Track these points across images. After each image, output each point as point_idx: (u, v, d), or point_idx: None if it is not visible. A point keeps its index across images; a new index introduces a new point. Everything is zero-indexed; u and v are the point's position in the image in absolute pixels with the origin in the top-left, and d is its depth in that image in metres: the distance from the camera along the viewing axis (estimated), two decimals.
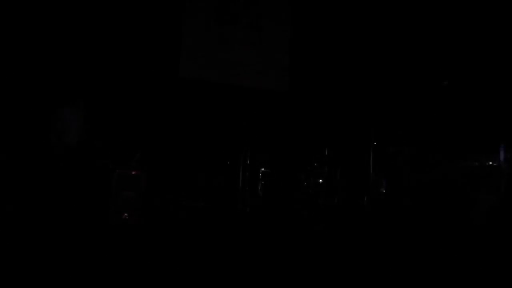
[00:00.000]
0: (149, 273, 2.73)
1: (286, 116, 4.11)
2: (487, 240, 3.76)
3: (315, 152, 4.94)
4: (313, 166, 4.82)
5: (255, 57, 5.48)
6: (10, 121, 4.23)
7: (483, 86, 5.02)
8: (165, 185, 4.74)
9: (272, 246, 3.46)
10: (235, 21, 5.83)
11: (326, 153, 4.89)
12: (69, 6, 4.77)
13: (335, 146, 5.05)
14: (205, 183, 4.73)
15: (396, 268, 3.06)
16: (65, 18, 4.75)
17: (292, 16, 6.17)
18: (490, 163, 4.35)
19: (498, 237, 3.78)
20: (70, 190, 4.02)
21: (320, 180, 4.76)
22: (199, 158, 5.08)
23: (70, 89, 4.55)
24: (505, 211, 4.03)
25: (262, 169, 4.84)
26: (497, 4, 5.01)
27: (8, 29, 4.42)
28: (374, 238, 3.90)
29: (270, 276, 2.81)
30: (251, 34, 5.89)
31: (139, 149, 4.37)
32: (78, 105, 4.52)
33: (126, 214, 4.09)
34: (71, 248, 3.09)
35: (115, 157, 4.39)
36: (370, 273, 2.95)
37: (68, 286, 2.60)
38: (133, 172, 4.23)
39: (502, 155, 4.22)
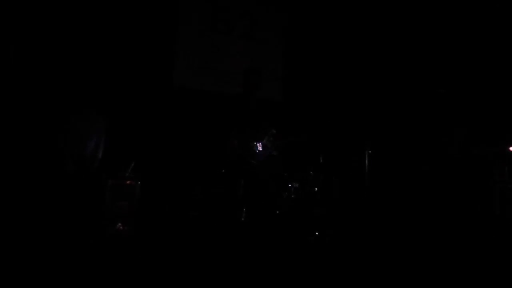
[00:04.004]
0: (143, 284, 2.69)
1: (281, 124, 4.10)
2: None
3: (310, 160, 4.91)
4: (308, 174, 4.77)
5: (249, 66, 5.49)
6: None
7: (480, 92, 5.05)
8: (159, 195, 4.71)
9: (267, 256, 3.43)
10: (229, 30, 5.85)
11: (321, 161, 4.86)
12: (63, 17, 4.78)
13: (330, 153, 5.04)
14: (201, 193, 4.70)
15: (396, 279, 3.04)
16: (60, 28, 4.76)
17: (286, 26, 6.22)
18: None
19: None
20: (63, 199, 3.98)
21: (316, 189, 4.72)
22: (195, 167, 5.06)
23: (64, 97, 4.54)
24: None
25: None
26: (491, 16, 5.08)
27: None
28: (372, 248, 3.88)
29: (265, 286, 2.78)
30: (245, 43, 5.91)
31: (133, 159, 4.35)
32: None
33: (120, 224, 4.05)
34: (64, 259, 3.05)
35: (109, 166, 4.36)
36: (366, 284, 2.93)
37: None
38: (127, 182, 4.20)
39: None
